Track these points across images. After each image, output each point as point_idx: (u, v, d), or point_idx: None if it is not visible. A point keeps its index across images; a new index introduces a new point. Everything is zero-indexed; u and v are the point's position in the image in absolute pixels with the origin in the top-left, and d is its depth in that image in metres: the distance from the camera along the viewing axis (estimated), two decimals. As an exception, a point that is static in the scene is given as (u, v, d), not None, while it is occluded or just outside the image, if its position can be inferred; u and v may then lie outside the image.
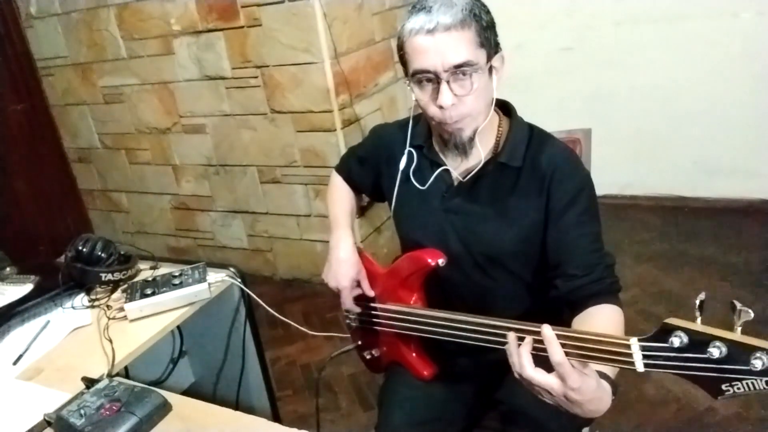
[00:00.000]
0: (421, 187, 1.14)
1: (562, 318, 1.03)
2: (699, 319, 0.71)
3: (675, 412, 1.88)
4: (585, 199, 1.05)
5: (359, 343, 1.34)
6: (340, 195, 1.37)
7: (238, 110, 2.82)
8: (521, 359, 0.83)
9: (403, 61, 1.04)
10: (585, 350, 0.80)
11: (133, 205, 3.49)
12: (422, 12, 0.97)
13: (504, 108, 1.14)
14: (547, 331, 0.81)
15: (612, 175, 3.05)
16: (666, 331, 0.72)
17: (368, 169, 1.30)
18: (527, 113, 1.13)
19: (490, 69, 1.01)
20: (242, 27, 2.62)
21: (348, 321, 1.35)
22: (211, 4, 2.64)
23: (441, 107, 0.99)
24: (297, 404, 2.18)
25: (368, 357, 1.32)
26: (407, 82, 1.04)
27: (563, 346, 0.80)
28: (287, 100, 2.67)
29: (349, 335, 1.39)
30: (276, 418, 1.73)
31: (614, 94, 3.13)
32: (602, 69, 3.12)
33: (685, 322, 0.72)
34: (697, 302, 0.72)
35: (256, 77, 2.70)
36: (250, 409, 1.67)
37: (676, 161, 3.13)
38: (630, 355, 0.76)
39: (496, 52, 1.01)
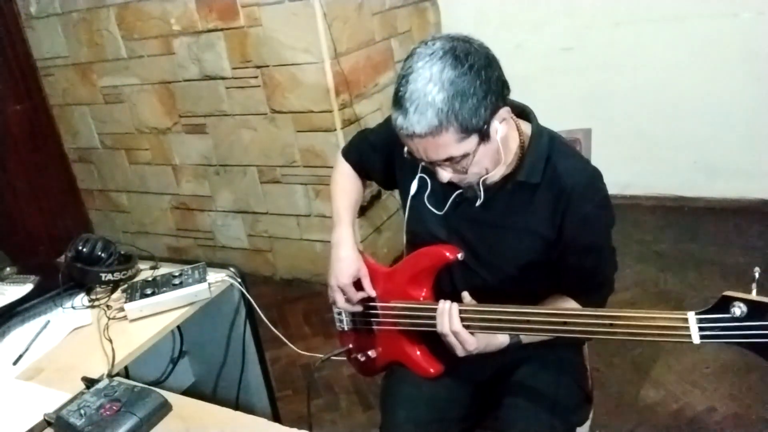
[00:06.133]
0: (437, 212, 1.14)
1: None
2: (755, 291, 0.77)
3: (675, 412, 1.88)
4: (597, 226, 1.07)
5: (350, 345, 1.33)
6: (345, 185, 1.35)
7: (238, 110, 2.82)
8: (453, 318, 1.04)
9: None
10: (638, 328, 0.86)
11: (133, 205, 3.49)
12: (400, 112, 0.92)
13: (522, 112, 1.11)
14: (451, 306, 1.04)
15: (612, 175, 2.99)
16: (725, 303, 0.77)
17: (382, 156, 1.28)
18: (527, 113, 1.13)
19: (487, 135, 0.95)
20: (242, 27, 2.62)
21: (339, 324, 1.34)
22: (211, 4, 2.64)
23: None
24: (297, 404, 2.18)
25: (362, 359, 1.30)
26: (405, 152, 1.03)
27: (610, 326, 0.88)
28: (287, 100, 2.67)
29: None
30: (276, 418, 1.73)
31: (614, 94, 3.12)
32: (602, 69, 3.12)
33: (743, 294, 0.77)
34: (756, 275, 0.78)
35: (256, 77, 2.70)
36: (250, 409, 1.67)
37: (676, 161, 3.13)
38: (687, 329, 0.81)
39: (494, 114, 0.94)
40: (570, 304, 1.11)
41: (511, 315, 1.00)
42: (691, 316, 0.80)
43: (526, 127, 1.10)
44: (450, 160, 0.96)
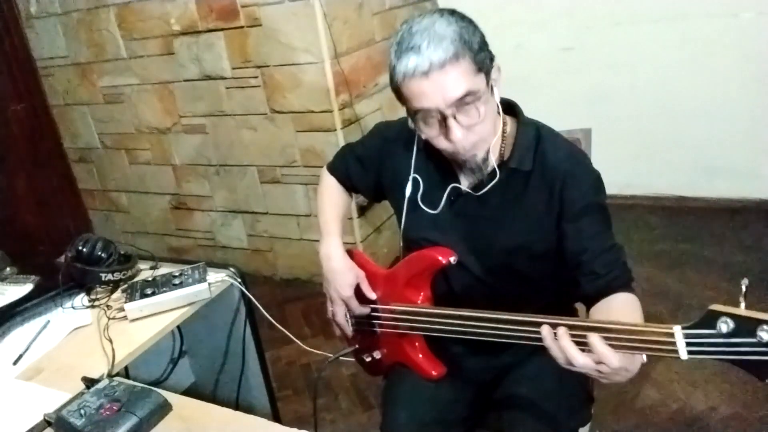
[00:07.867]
0: (432, 212, 1.13)
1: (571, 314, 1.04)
2: (743, 305, 0.73)
3: (675, 412, 1.88)
4: (597, 200, 1.06)
5: (357, 346, 1.32)
6: (332, 199, 1.35)
7: (238, 110, 2.82)
8: (567, 352, 0.85)
9: (401, 98, 1.00)
10: (626, 341, 0.82)
11: (133, 205, 3.49)
12: (411, 52, 0.92)
13: (509, 107, 1.12)
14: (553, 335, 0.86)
15: (612, 175, 2.99)
16: (712, 318, 0.73)
17: (369, 170, 1.28)
18: (527, 113, 1.13)
19: (491, 85, 0.99)
20: (242, 27, 2.62)
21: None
22: (211, 4, 2.64)
23: (452, 140, 0.98)
24: (297, 404, 2.18)
25: (368, 360, 1.30)
26: (410, 120, 1.02)
27: (605, 338, 0.82)
28: (287, 100, 2.67)
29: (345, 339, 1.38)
30: (276, 418, 1.73)
31: (614, 94, 3.12)
32: (602, 69, 3.12)
33: (730, 308, 0.73)
34: (743, 288, 0.74)
35: (256, 77, 2.70)
36: (250, 409, 1.67)
37: (676, 161, 3.13)
38: (673, 344, 0.77)
39: (491, 67, 0.98)
40: (618, 305, 1.01)
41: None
42: (678, 331, 0.76)
43: (513, 121, 1.11)
44: (468, 97, 0.93)
